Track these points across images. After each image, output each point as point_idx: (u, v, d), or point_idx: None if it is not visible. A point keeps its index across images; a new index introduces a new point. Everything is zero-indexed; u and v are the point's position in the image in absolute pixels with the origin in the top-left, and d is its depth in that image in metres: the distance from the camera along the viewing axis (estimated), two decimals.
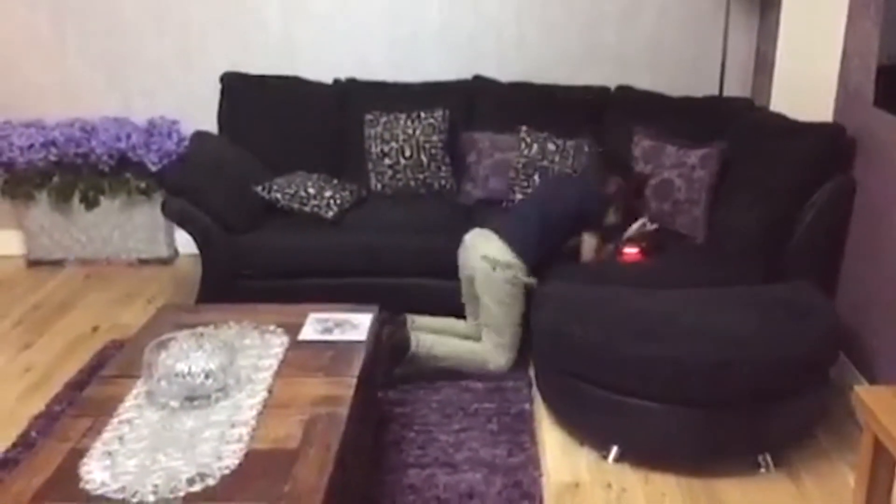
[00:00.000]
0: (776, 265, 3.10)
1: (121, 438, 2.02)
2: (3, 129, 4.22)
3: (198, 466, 1.91)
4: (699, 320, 2.65)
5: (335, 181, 3.82)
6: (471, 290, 3.22)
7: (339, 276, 3.53)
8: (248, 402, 2.16)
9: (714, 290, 2.87)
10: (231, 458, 1.93)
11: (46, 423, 2.89)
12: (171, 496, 1.81)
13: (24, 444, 2.78)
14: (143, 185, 4.24)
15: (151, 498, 1.81)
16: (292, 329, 2.58)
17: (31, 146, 4.14)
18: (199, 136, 3.92)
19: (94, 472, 1.90)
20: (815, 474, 2.66)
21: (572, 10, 4.21)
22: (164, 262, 4.47)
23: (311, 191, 3.67)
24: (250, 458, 1.94)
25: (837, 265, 3.18)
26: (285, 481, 1.85)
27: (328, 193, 3.67)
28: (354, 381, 2.29)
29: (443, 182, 3.96)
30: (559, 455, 2.78)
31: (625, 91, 4.03)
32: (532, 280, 3.13)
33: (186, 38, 4.30)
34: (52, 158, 4.17)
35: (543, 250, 3.17)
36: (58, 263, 4.42)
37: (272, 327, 2.59)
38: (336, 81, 4.18)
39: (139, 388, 2.24)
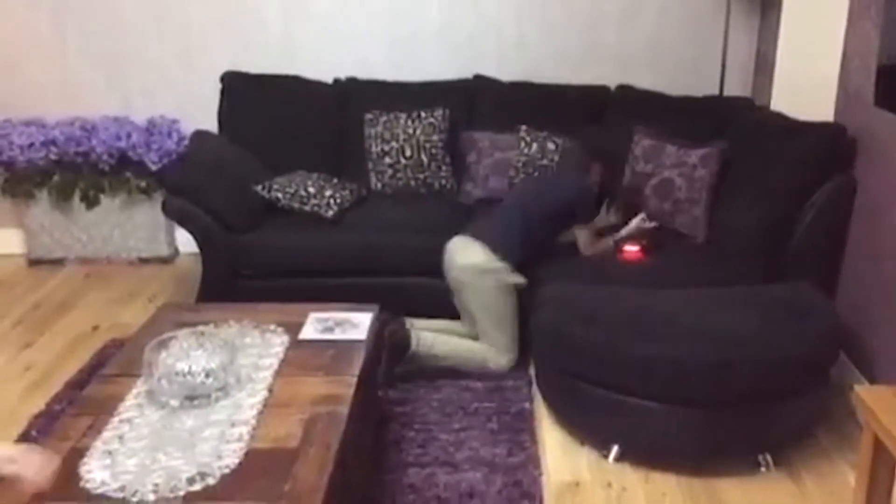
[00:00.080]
0: (776, 265, 3.10)
1: (121, 437, 2.02)
2: (3, 127, 4.22)
3: (198, 466, 1.91)
4: (699, 320, 2.65)
5: (335, 180, 3.82)
6: (460, 298, 3.22)
7: (340, 275, 3.53)
8: (248, 402, 2.16)
9: (714, 289, 2.87)
10: (231, 458, 1.93)
11: (47, 422, 2.89)
12: (172, 495, 1.81)
13: (25, 443, 2.78)
14: (143, 184, 4.25)
15: (152, 497, 1.81)
16: (293, 328, 2.58)
17: (32, 145, 4.14)
18: (200, 135, 3.92)
19: (95, 472, 1.90)
20: (816, 474, 2.66)
21: (572, 9, 4.21)
22: (165, 261, 4.47)
23: (312, 190, 3.67)
24: (250, 457, 1.94)
25: (838, 265, 3.18)
26: (285, 480, 1.85)
27: (328, 193, 3.67)
28: (355, 380, 2.29)
29: (443, 181, 3.96)
30: (559, 454, 2.78)
31: (625, 91, 4.03)
32: (519, 279, 3.13)
33: (187, 38, 4.30)
34: (53, 157, 4.17)
35: (529, 248, 3.16)
36: (58, 262, 4.43)
37: (272, 326, 2.59)
38: (336, 81, 4.18)
39: (139, 387, 2.25)
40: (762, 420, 2.58)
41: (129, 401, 2.19)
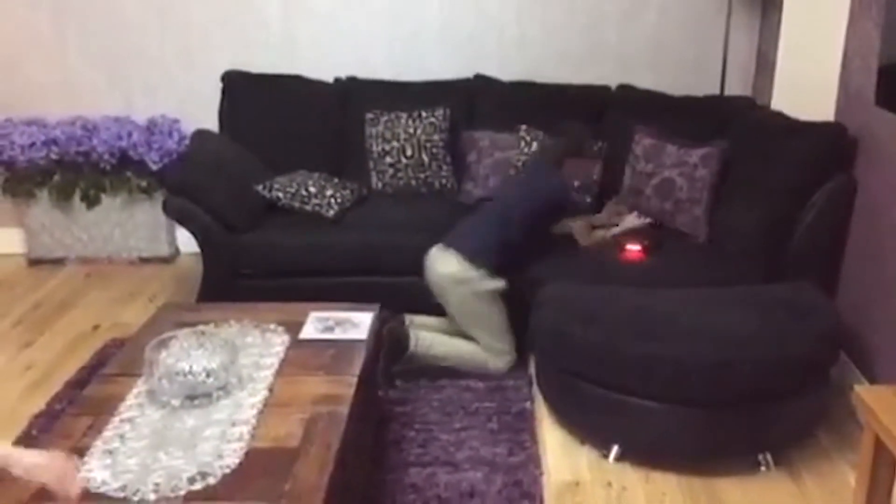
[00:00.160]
0: (777, 265, 3.10)
1: (122, 437, 2.03)
2: (4, 127, 4.22)
3: (199, 465, 1.91)
4: (699, 320, 2.65)
5: (336, 180, 3.82)
6: (445, 306, 3.20)
7: (340, 274, 3.53)
8: (248, 401, 2.17)
9: (714, 289, 2.87)
10: (232, 457, 1.94)
11: (47, 421, 2.89)
12: (173, 495, 1.81)
13: (25, 442, 2.78)
14: (144, 183, 4.25)
15: (152, 496, 1.81)
16: (293, 328, 2.58)
17: (33, 144, 4.14)
18: (200, 134, 3.92)
19: (95, 471, 1.90)
20: (816, 474, 2.67)
21: (573, 9, 4.21)
22: (165, 260, 4.47)
23: (312, 189, 3.67)
24: (251, 456, 1.94)
25: (838, 265, 3.18)
26: (286, 480, 1.85)
27: (329, 192, 3.67)
28: (355, 379, 2.29)
29: (444, 181, 3.96)
30: (560, 454, 2.79)
31: (626, 90, 4.03)
32: (497, 284, 3.10)
33: (187, 37, 4.30)
34: (54, 157, 4.17)
35: (512, 251, 3.13)
36: (59, 262, 4.43)
37: (273, 326, 2.60)
38: (337, 80, 4.18)
39: (140, 386, 2.25)
40: (762, 420, 2.59)
41: (130, 400, 2.19)
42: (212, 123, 4.07)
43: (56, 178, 4.23)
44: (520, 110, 3.94)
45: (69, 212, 4.32)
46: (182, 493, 1.82)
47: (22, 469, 1.60)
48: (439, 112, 3.93)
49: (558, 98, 3.99)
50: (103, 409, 2.14)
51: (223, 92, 4.08)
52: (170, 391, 2.16)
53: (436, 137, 3.91)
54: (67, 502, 1.69)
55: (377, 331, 2.70)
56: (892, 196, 2.81)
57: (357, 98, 4.07)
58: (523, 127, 3.82)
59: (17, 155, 4.14)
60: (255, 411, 2.12)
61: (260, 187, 3.69)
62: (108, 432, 2.05)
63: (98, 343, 3.53)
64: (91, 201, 4.26)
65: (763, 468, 2.67)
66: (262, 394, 2.20)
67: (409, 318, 3.27)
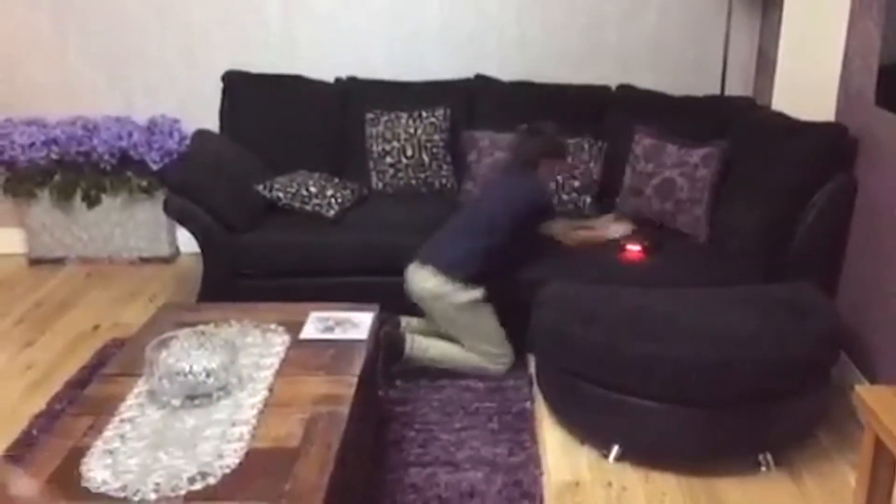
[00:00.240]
0: (777, 265, 3.10)
1: (122, 437, 2.03)
2: (4, 127, 4.23)
3: (199, 465, 1.91)
4: (699, 320, 2.65)
5: (336, 180, 3.82)
6: (431, 320, 3.20)
7: (340, 274, 3.53)
8: (249, 401, 2.17)
9: (715, 289, 2.88)
10: (232, 457, 1.94)
11: (47, 421, 2.89)
12: (173, 495, 1.81)
13: (26, 442, 2.79)
14: (144, 183, 4.25)
15: (153, 496, 1.81)
16: (293, 328, 2.58)
17: (33, 144, 4.14)
18: (201, 134, 3.92)
19: (96, 471, 1.90)
20: (816, 474, 2.67)
21: (573, 9, 4.20)
22: (166, 260, 4.47)
23: (313, 189, 3.67)
24: (251, 456, 1.94)
25: (838, 265, 3.18)
26: (286, 480, 1.85)
27: (329, 192, 3.67)
28: (355, 379, 2.29)
29: (444, 181, 3.96)
30: (560, 454, 2.79)
31: (626, 90, 4.03)
32: (472, 294, 3.07)
33: (188, 37, 4.30)
34: (54, 157, 4.17)
35: (495, 257, 3.10)
36: (59, 262, 4.43)
37: (273, 326, 2.60)
38: (337, 80, 4.18)
39: (140, 386, 2.25)
40: (762, 420, 2.58)
41: (130, 400, 2.19)
42: (212, 123, 4.07)
43: (56, 177, 4.23)
44: (520, 110, 3.92)
45: (70, 212, 4.32)
46: (182, 493, 1.82)
47: None
48: (439, 112, 3.93)
49: (558, 98, 3.99)
50: (104, 409, 2.14)
51: (223, 92, 4.08)
52: (170, 391, 2.16)
53: (436, 137, 3.90)
54: None
55: (377, 331, 2.70)
56: (892, 196, 2.81)
57: (357, 98, 4.07)
58: (523, 127, 3.81)
59: (18, 155, 4.14)
60: (255, 411, 2.12)
61: (260, 187, 3.69)
62: (108, 432, 2.05)
63: (98, 343, 3.53)
64: (91, 201, 4.27)
65: (763, 468, 2.67)
66: (263, 394, 2.20)
67: (406, 321, 3.26)
